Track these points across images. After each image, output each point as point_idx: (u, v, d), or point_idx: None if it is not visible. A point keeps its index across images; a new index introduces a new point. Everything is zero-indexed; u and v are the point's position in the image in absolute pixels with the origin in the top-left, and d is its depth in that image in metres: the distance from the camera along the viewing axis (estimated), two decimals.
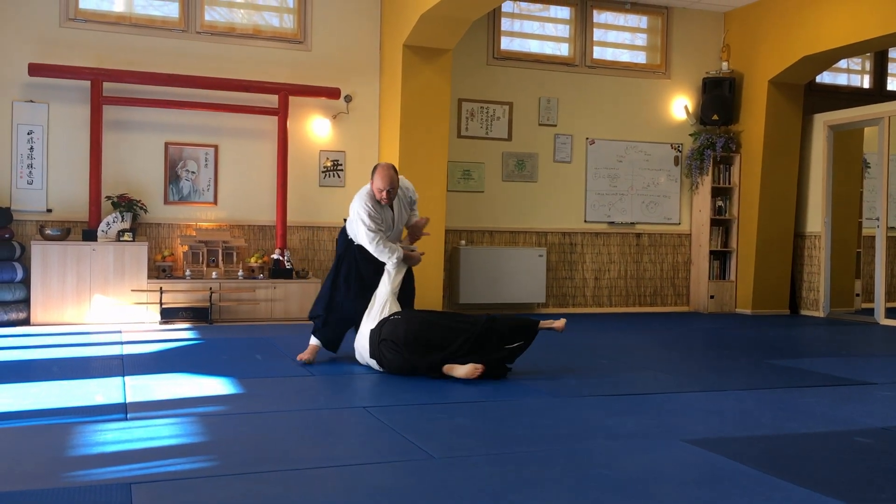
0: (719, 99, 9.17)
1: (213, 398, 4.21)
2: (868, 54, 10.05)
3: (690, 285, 9.53)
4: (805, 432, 3.67)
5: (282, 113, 7.81)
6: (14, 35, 7.28)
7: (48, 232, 7.09)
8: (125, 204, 7.31)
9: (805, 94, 9.11)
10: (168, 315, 7.17)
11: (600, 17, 9.20)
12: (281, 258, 7.70)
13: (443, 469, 3.00)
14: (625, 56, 9.34)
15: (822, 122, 9.00)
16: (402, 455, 3.19)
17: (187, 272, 7.40)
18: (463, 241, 8.60)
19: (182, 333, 6.63)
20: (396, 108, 7.70)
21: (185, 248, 7.58)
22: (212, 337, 6.44)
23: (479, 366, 4.57)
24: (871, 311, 8.67)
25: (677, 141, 9.46)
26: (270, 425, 3.66)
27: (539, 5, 8.97)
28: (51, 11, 7.36)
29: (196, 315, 7.25)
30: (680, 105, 9.44)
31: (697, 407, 4.18)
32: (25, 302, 6.99)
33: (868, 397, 4.54)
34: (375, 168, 5.19)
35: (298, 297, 7.59)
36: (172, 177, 7.74)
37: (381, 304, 5.09)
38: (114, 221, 7.23)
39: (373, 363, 5.00)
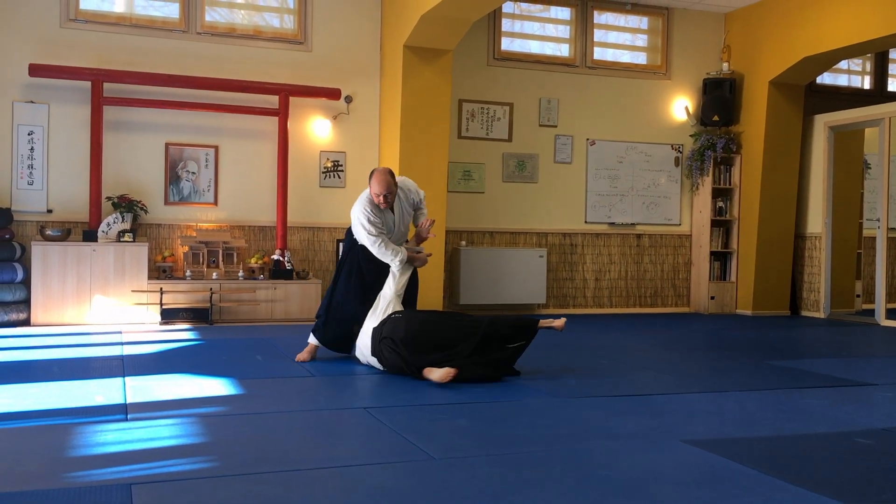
0: (720, 100, 9.17)
1: (214, 399, 4.21)
2: (869, 55, 10.05)
3: (691, 286, 9.53)
4: (805, 433, 3.67)
5: (282, 113, 7.81)
6: (14, 35, 7.28)
7: (48, 232, 7.09)
8: (125, 204, 7.31)
9: (806, 94, 9.11)
10: (168, 316, 7.18)
11: (601, 17, 9.20)
12: (281, 259, 7.70)
13: (443, 470, 3.00)
14: (625, 57, 9.34)
15: (823, 123, 9.00)
16: (402, 456, 3.19)
17: (188, 273, 7.40)
18: (463, 242, 8.60)
19: (182, 334, 6.63)
20: (397, 108, 7.70)
21: (186, 248, 7.58)
22: (212, 337, 6.44)
23: (453, 370, 4.56)
24: (871, 312, 8.66)
25: (678, 142, 9.46)
26: (271, 426, 3.66)
27: (539, 6, 8.97)
28: (51, 12, 7.37)
29: (196, 316, 7.25)
30: (680, 106, 9.44)
31: (698, 407, 4.18)
32: (26, 302, 6.99)
33: (868, 398, 4.54)
34: (372, 173, 5.23)
35: (299, 297, 7.59)
36: (173, 177, 7.75)
37: (386, 304, 5.10)
38: (114, 222, 7.24)
39: (373, 361, 5.01)
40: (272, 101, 7.85)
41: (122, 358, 5.36)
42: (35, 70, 7.10)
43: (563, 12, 9.08)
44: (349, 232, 5.46)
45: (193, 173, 7.81)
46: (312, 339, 5.44)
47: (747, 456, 3.23)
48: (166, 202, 7.73)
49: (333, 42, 8.20)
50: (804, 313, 9.19)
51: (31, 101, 7.32)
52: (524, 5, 8.92)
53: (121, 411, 3.85)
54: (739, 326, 8.09)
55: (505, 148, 8.78)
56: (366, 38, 8.29)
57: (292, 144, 7.98)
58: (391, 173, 5.22)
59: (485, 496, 2.70)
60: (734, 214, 9.30)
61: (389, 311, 5.04)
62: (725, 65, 9.28)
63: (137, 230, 7.46)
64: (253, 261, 7.71)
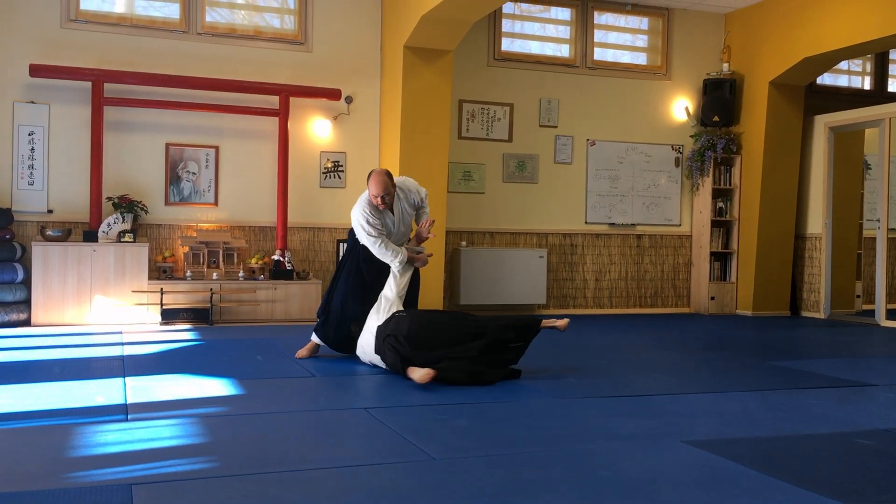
0: (720, 100, 9.17)
1: (214, 399, 4.21)
2: (869, 56, 10.05)
3: (691, 286, 9.53)
4: (806, 434, 3.67)
5: (282, 114, 7.81)
6: (15, 36, 7.28)
7: (49, 233, 7.10)
8: (126, 205, 7.31)
9: (806, 95, 9.11)
10: (169, 316, 7.18)
11: (601, 18, 9.20)
12: (281, 259, 7.70)
13: (443, 470, 3.00)
14: (625, 57, 9.34)
15: (823, 124, 9.00)
16: (402, 456, 3.19)
17: (188, 273, 7.40)
18: (463, 242, 8.60)
19: (183, 334, 6.63)
20: (397, 109, 7.70)
21: (186, 248, 7.58)
22: (212, 338, 6.44)
23: (433, 371, 4.55)
24: (871, 313, 8.66)
25: (678, 142, 9.46)
26: (271, 426, 3.66)
27: (540, 7, 8.97)
28: (52, 12, 7.37)
29: (197, 316, 7.25)
30: (681, 106, 9.44)
31: (698, 408, 4.18)
32: (26, 303, 6.99)
33: (869, 399, 4.54)
34: (370, 175, 5.27)
35: (299, 298, 7.60)
36: (173, 178, 7.75)
37: (388, 305, 5.11)
38: (115, 222, 7.24)
39: (376, 360, 5.00)
40: (272, 101, 7.85)
41: (122, 358, 5.36)
42: (35, 70, 7.10)
43: (564, 13, 9.09)
44: (352, 232, 5.49)
45: (194, 174, 7.81)
46: (314, 338, 5.48)
47: (748, 456, 3.23)
48: (167, 202, 7.73)
49: (334, 42, 8.20)
50: (804, 314, 9.19)
51: (32, 102, 7.32)
52: (524, 6, 8.92)
53: (121, 411, 3.85)
54: (740, 327, 8.09)
55: (505, 148, 8.78)
56: (366, 38, 8.29)
57: (293, 145, 7.98)
58: (389, 174, 5.25)
59: (485, 496, 2.70)
60: (734, 215, 9.30)
61: (393, 311, 5.04)
62: (725, 65, 9.28)
63: (138, 230, 7.46)
64: (253, 261, 7.72)
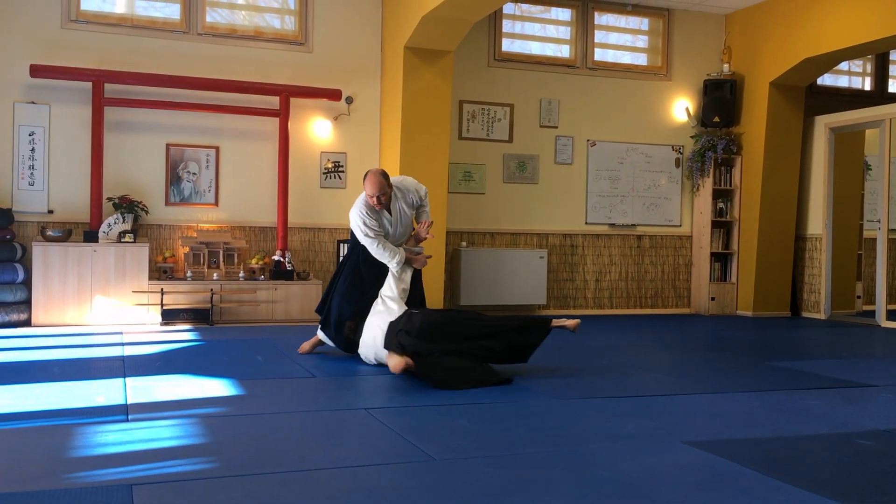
0: (720, 101, 9.17)
1: (214, 399, 4.21)
2: (869, 56, 10.05)
3: (691, 287, 9.53)
4: (806, 434, 3.67)
5: (283, 114, 7.82)
6: (15, 36, 7.29)
7: (49, 233, 7.10)
8: (126, 205, 7.32)
9: (806, 96, 9.11)
10: (169, 316, 7.18)
11: (601, 18, 9.20)
12: (282, 259, 7.70)
13: (443, 471, 3.00)
14: (626, 58, 9.34)
15: (823, 124, 9.00)
16: (402, 457, 3.19)
17: (188, 273, 7.40)
18: (464, 243, 8.60)
19: (183, 335, 6.63)
20: (397, 109, 7.70)
21: (187, 249, 7.58)
22: (213, 338, 6.44)
23: (410, 361, 4.61)
24: (872, 314, 8.66)
25: (678, 143, 9.46)
26: (271, 427, 3.66)
27: (540, 7, 8.97)
28: (52, 13, 7.37)
29: (197, 316, 7.25)
30: (681, 107, 9.44)
31: (698, 409, 4.18)
32: (27, 303, 6.99)
33: (869, 399, 4.54)
34: (366, 175, 5.30)
35: (299, 298, 7.60)
36: (173, 178, 7.75)
37: (391, 303, 5.13)
38: (115, 223, 7.24)
39: (382, 355, 4.96)
40: (273, 101, 7.85)
41: (122, 358, 5.36)
42: (36, 71, 7.10)
43: (564, 13, 9.09)
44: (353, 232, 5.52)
45: (194, 174, 7.81)
46: (320, 334, 5.53)
47: (748, 457, 3.23)
48: (167, 203, 7.73)
49: (334, 43, 8.20)
50: (805, 314, 9.19)
51: (32, 102, 7.33)
52: (525, 6, 8.93)
53: (122, 412, 3.85)
54: (740, 327, 8.09)
55: (505, 149, 8.78)
56: (366, 39, 8.29)
57: (293, 145, 7.99)
58: (384, 174, 5.29)
59: (485, 497, 2.70)
60: (735, 215, 9.30)
61: (395, 309, 5.06)
62: (726, 66, 9.28)
63: (138, 231, 7.47)
64: (253, 261, 7.72)
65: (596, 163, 9.14)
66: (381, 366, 5.12)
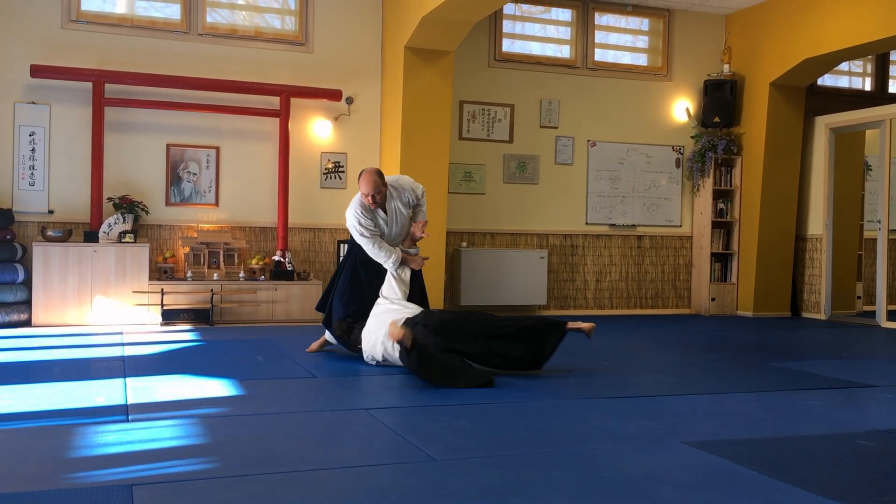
0: (720, 101, 9.17)
1: (215, 400, 4.21)
2: (869, 57, 10.05)
3: (692, 287, 9.53)
4: (806, 435, 3.67)
5: (283, 115, 7.82)
6: (16, 36, 7.29)
7: (50, 233, 7.10)
8: (127, 205, 7.32)
9: (806, 96, 9.11)
10: (169, 316, 7.18)
11: (601, 19, 9.20)
12: (282, 260, 7.70)
13: (444, 471, 3.00)
14: (626, 58, 9.34)
15: (824, 125, 9.00)
16: (403, 457, 3.19)
17: (188, 274, 7.40)
18: (464, 243, 8.60)
19: (183, 335, 6.63)
20: (398, 110, 7.70)
21: (187, 249, 7.58)
22: (213, 338, 6.44)
23: (410, 333, 4.62)
24: (872, 314, 8.66)
25: (678, 143, 9.46)
26: (272, 427, 3.66)
27: (540, 7, 8.97)
28: (53, 13, 7.37)
29: (197, 316, 7.25)
30: (681, 107, 9.44)
31: (699, 409, 4.18)
32: (27, 303, 6.99)
33: (870, 400, 4.54)
34: (361, 174, 5.35)
35: (300, 298, 7.60)
36: (174, 178, 7.75)
37: (396, 305, 5.14)
38: (115, 223, 7.24)
39: (395, 352, 4.94)
40: (273, 102, 7.85)
41: (123, 359, 5.37)
42: (36, 71, 7.11)
43: (564, 14, 9.09)
44: None
45: (194, 174, 7.81)
46: (327, 334, 5.58)
47: (748, 457, 3.23)
48: (167, 203, 7.73)
49: (334, 43, 8.20)
50: (805, 315, 9.19)
51: (33, 102, 7.33)
52: (525, 7, 8.93)
53: (122, 412, 3.85)
54: (740, 328, 8.09)
55: (506, 149, 8.78)
56: (367, 39, 8.30)
57: (293, 145, 7.99)
58: (379, 173, 5.33)
59: (485, 497, 2.70)
60: (735, 216, 9.30)
61: (402, 310, 5.07)
62: (726, 66, 9.28)
63: (138, 231, 7.47)
64: (254, 262, 7.72)
65: (596, 163, 9.14)
66: (383, 366, 5.13)
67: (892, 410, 4.25)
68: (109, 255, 7.10)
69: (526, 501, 2.67)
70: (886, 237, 8.41)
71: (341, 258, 6.28)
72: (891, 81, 10.39)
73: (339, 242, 8.03)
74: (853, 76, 10.32)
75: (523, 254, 8.64)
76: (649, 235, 9.36)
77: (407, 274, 5.39)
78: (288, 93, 7.80)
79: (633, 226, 9.30)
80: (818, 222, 9.03)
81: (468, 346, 4.79)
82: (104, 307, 7.06)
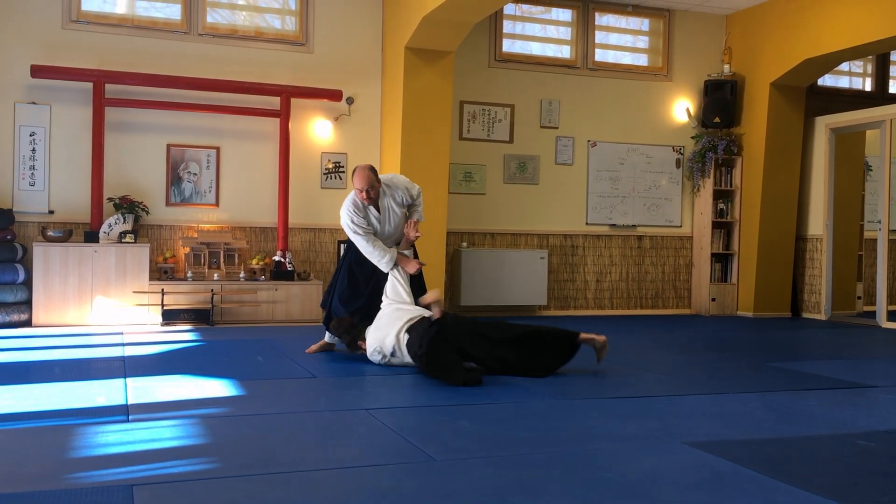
0: (721, 101, 9.17)
1: (215, 400, 4.21)
2: (870, 57, 10.05)
3: (692, 288, 9.53)
4: (807, 435, 3.67)
5: (283, 115, 7.82)
6: (16, 37, 7.29)
7: (50, 233, 7.10)
8: (127, 205, 7.32)
9: (807, 96, 9.11)
10: (169, 317, 7.18)
11: (602, 19, 9.20)
12: (282, 260, 7.70)
13: (444, 471, 3.00)
14: (626, 58, 9.34)
15: (824, 125, 9.00)
16: (403, 457, 3.19)
17: (189, 274, 7.40)
18: (464, 243, 8.60)
19: (183, 335, 6.63)
20: (398, 110, 7.70)
21: (187, 249, 7.59)
22: (213, 339, 6.44)
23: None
24: (872, 314, 8.66)
25: (679, 143, 9.46)
26: (272, 427, 3.66)
27: (541, 8, 8.98)
28: (53, 13, 7.38)
29: (197, 317, 7.25)
30: (681, 107, 9.44)
31: (699, 409, 4.18)
32: (27, 303, 7.00)
33: (870, 400, 4.54)
34: (354, 170, 5.38)
35: (300, 298, 7.60)
36: (174, 178, 7.75)
37: (405, 307, 5.15)
38: (115, 223, 7.24)
39: (403, 350, 4.95)
40: (273, 102, 7.85)
41: (123, 359, 5.37)
42: (37, 71, 7.11)
43: (565, 14, 9.09)
44: None
45: (195, 174, 7.82)
46: (328, 336, 5.59)
47: (748, 458, 3.23)
48: (168, 203, 7.74)
49: (335, 43, 8.20)
50: (805, 315, 9.19)
51: (33, 103, 7.33)
52: (525, 7, 8.93)
53: (122, 412, 3.85)
54: (740, 328, 8.08)
55: (506, 149, 8.78)
56: (367, 39, 8.30)
57: (293, 146, 7.99)
58: (372, 169, 5.37)
59: (485, 497, 2.70)
60: (735, 216, 9.30)
61: (412, 311, 5.07)
62: (726, 66, 9.28)
63: (139, 231, 7.47)
64: (254, 262, 7.72)
65: (596, 163, 9.14)
66: (385, 366, 5.13)
67: (892, 410, 4.25)
68: (110, 255, 7.11)
69: (526, 501, 2.67)
70: (887, 237, 8.41)
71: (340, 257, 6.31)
72: (891, 82, 10.39)
73: (340, 242, 8.04)
74: (853, 76, 10.32)
75: (523, 254, 8.64)
76: (649, 236, 9.36)
77: (404, 276, 5.38)
78: (288, 93, 7.81)
79: (634, 226, 9.30)
80: (818, 222, 9.03)
81: (476, 353, 4.80)
82: (104, 307, 7.07)
